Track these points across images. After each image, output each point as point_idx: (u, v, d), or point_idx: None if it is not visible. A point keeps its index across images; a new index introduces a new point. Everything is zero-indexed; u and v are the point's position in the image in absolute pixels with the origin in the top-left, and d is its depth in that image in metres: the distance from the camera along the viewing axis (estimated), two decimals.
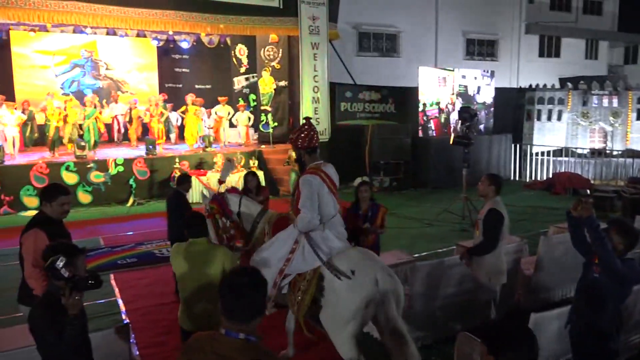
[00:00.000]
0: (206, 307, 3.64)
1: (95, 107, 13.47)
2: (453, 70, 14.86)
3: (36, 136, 13.78)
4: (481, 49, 23.41)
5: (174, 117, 15.08)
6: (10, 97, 13.77)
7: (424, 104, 14.21)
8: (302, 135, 4.08)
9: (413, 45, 20.82)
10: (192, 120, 14.17)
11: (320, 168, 4.06)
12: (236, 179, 11.92)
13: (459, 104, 14.35)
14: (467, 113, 10.92)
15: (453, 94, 14.66)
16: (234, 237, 4.51)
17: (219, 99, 14.85)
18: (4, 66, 14.46)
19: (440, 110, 14.55)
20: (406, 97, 15.36)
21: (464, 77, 15.01)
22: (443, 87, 14.51)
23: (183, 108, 14.67)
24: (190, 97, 14.36)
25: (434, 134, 14.40)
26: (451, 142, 10.77)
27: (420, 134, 14.21)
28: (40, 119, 13.69)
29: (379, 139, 13.79)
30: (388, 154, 13.80)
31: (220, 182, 5.29)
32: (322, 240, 3.98)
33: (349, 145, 14.92)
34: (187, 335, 3.60)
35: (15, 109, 12.71)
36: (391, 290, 3.72)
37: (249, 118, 14.72)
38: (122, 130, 15.03)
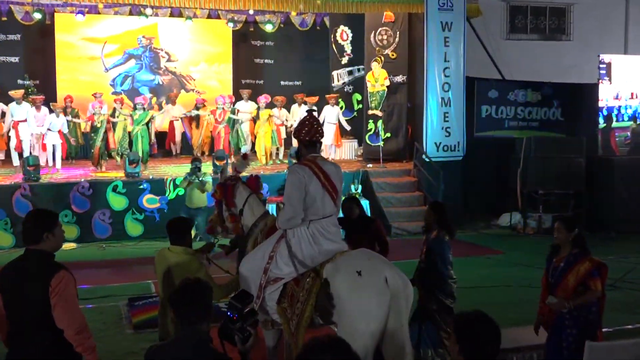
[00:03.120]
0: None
1: (146, 110, 14.39)
2: None
3: (79, 145, 14.99)
4: None
5: (246, 126, 15.49)
6: (51, 95, 15.13)
7: (616, 110, 13.60)
8: (306, 127, 5.04)
9: (590, 23, 20.02)
10: (265, 129, 14.71)
11: (314, 161, 4.95)
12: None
13: None
14: None
15: None
16: (232, 229, 5.70)
17: (297, 96, 15.28)
18: (46, 58, 15.97)
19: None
20: (579, 98, 14.85)
21: None
22: None
23: (254, 112, 15.28)
24: (262, 99, 14.96)
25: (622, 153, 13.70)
26: None
27: (602, 151, 13.61)
28: (85, 125, 14.84)
29: (537, 159, 13.42)
30: (551, 180, 13.37)
31: (237, 171, 6.01)
32: (308, 242, 4.85)
33: (493, 167, 14.58)
34: None
35: (59, 111, 13.83)
36: (402, 290, 4.59)
37: (339, 114, 15.13)
38: (180, 140, 15.87)
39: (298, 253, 4.87)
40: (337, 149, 15.83)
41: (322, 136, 5.17)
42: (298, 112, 14.90)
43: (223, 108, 14.98)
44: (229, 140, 14.96)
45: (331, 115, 15.04)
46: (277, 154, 15.25)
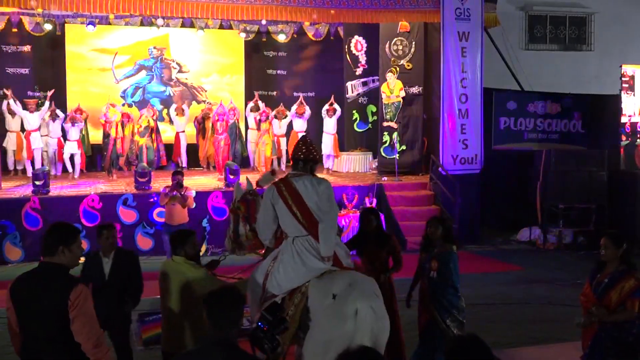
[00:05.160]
0: (189, 327, 4.93)
1: (149, 123, 14.93)
2: None
3: (90, 153, 15.41)
4: None
5: (254, 136, 15.76)
6: (62, 107, 15.31)
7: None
8: (301, 150, 5.26)
9: (612, 33, 20.01)
10: (265, 139, 15.06)
11: (286, 179, 5.12)
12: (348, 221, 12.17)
13: None
14: None
15: None
16: (254, 246, 5.82)
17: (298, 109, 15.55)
18: (57, 70, 16.21)
19: None
20: (601, 109, 14.86)
21: None
22: None
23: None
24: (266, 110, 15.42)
25: None
26: None
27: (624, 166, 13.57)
28: (95, 136, 15.25)
29: (558, 172, 13.44)
30: (571, 194, 13.37)
31: (259, 186, 5.96)
32: (292, 259, 4.95)
33: (512, 180, 14.56)
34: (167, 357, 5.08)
35: (76, 120, 14.39)
36: (371, 323, 4.58)
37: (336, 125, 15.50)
38: (186, 152, 16.03)
39: (282, 270, 4.98)
40: (352, 161, 16.00)
41: (304, 155, 5.22)
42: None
43: (224, 119, 15.18)
44: (228, 151, 15.13)
45: (329, 125, 15.42)
46: (279, 164, 15.53)
